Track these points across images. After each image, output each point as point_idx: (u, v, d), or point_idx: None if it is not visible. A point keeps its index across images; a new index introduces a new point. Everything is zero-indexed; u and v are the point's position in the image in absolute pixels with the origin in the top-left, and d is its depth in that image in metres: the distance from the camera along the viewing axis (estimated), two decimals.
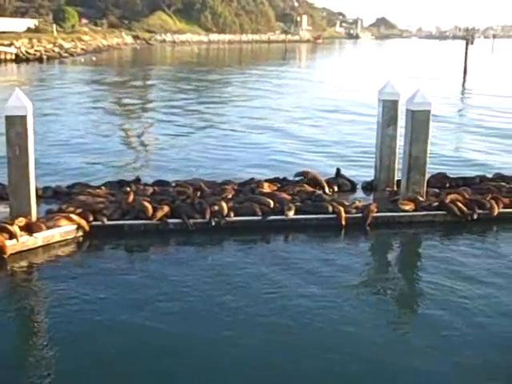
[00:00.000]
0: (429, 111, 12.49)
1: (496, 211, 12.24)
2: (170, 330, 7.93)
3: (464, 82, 45.45)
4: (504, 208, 12.41)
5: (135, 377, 7.01)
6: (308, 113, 27.89)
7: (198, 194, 12.60)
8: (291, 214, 11.79)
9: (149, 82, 44.80)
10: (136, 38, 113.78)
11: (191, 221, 11.46)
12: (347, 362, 7.27)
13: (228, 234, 11.37)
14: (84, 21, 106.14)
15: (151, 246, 11.01)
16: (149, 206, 11.59)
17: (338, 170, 14.57)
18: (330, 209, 11.97)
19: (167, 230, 11.39)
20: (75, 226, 11.07)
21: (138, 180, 13.76)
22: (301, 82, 43.95)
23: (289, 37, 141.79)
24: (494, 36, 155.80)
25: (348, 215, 11.88)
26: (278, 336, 7.79)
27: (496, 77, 50.87)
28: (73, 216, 11.14)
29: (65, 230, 10.94)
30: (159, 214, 11.46)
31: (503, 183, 13.76)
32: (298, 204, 12.14)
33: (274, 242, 11.28)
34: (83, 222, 11.12)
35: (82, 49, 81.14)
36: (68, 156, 18.02)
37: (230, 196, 12.55)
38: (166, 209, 11.62)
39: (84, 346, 7.55)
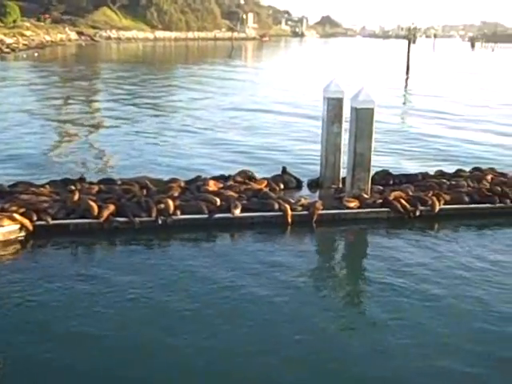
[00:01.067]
0: (373, 109, 12.70)
1: (437, 208, 12.54)
2: (111, 332, 7.85)
3: (407, 79, 46.35)
4: (445, 204, 12.73)
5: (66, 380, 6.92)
6: (255, 111, 27.94)
7: (145, 192, 12.54)
8: (238, 212, 11.83)
9: (94, 80, 44.17)
10: (80, 34, 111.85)
11: (137, 219, 11.39)
12: (289, 362, 7.30)
13: (174, 232, 11.34)
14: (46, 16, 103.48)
15: (97, 245, 10.88)
16: (94, 204, 11.46)
17: (284, 168, 14.68)
18: (276, 206, 12.06)
19: (113, 229, 11.29)
20: (18, 226, 10.86)
21: (82, 179, 13.58)
22: (246, 81, 44.02)
23: (235, 34, 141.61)
24: (435, 35, 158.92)
25: (294, 213, 12.00)
26: (220, 340, 7.75)
27: (437, 75, 51.91)
28: (16, 215, 10.93)
29: (7, 229, 10.72)
30: (105, 212, 11.35)
31: (444, 180, 14.10)
32: (244, 202, 12.20)
33: (221, 240, 11.29)
34: (26, 222, 10.92)
35: (25, 44, 79.36)
36: (10, 154, 17.64)
37: (176, 194, 12.51)
38: (112, 207, 11.52)
39: (19, 347, 7.42)
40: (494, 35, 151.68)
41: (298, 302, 8.75)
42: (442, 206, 12.65)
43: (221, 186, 13.23)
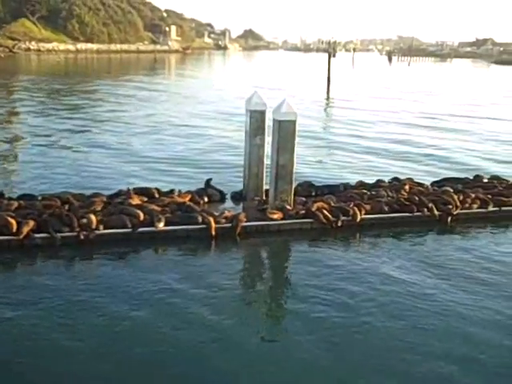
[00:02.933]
0: (295, 121, 12.87)
1: (359, 217, 12.83)
2: (23, 352, 7.67)
3: (328, 92, 47.25)
4: (366, 214, 13.04)
5: None
6: (178, 124, 27.85)
7: (66, 207, 12.32)
8: (161, 226, 11.77)
9: (11, 92, 43.01)
10: None
11: (59, 235, 11.17)
12: (216, 372, 7.34)
13: (97, 247, 11.17)
14: None
15: (17, 263, 10.60)
16: (13, 221, 11.17)
17: (208, 181, 14.71)
18: (200, 219, 12.06)
19: (34, 246, 11.02)
20: None
21: (1, 194, 13.22)
22: (168, 93, 43.85)
23: (158, 47, 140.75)
24: (354, 49, 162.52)
25: (218, 225, 12.03)
26: (138, 354, 7.71)
27: (356, 88, 53.09)
28: None
29: None
30: (24, 229, 11.08)
31: (365, 190, 14.44)
32: (168, 215, 12.15)
33: (145, 254, 11.18)
34: None
35: None
36: None
37: (98, 208, 12.34)
38: (32, 223, 11.25)
39: None
40: (410, 49, 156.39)
41: (219, 315, 8.74)
42: (363, 216, 12.95)
43: (144, 199, 13.14)
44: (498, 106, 41.21)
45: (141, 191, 13.71)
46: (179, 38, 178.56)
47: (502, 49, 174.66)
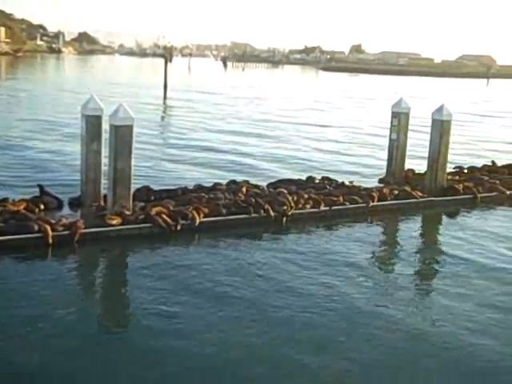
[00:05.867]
0: (132, 126, 12.85)
1: (197, 221, 13.02)
2: None
3: (165, 97, 47.30)
4: (205, 217, 13.26)
5: None
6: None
7: None
8: None
9: None
10: None
11: None
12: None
13: None
14: None
15: None
16: None
17: (42, 188, 14.26)
18: (36, 227, 11.68)
19: None
20: None
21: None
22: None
23: None
24: (191, 54, 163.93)
25: (55, 233, 11.71)
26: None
27: (192, 93, 53.54)
28: None
29: None
30: None
31: (203, 193, 14.67)
32: (0, 225, 11.65)
33: None
34: None
35: None
36: None
37: None
38: None
39: None
40: (244, 55, 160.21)
41: (54, 327, 8.56)
42: (202, 219, 13.17)
43: None
44: (323, 112, 43.37)
45: None
46: (9, 40, 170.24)
47: (328, 56, 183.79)
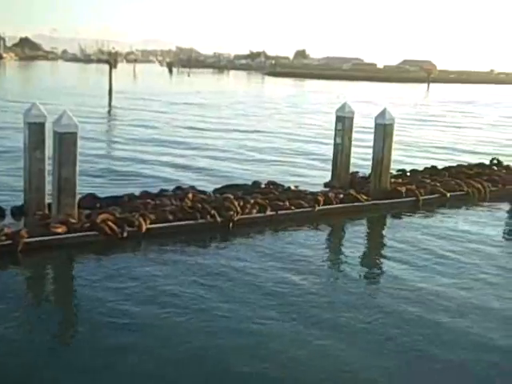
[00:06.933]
0: (76, 133, 12.75)
1: (144, 227, 12.98)
2: None
3: (110, 104, 46.87)
4: (151, 224, 13.23)
5: None
6: None
7: None
8: None
9: None
10: None
11: None
12: None
13: None
14: None
15: None
16: None
17: None
18: None
19: None
20: None
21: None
22: None
23: None
24: (136, 60, 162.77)
25: None
26: None
27: (138, 100, 53.19)
28: None
29: None
30: None
31: (149, 200, 14.63)
32: None
33: None
34: None
35: None
36: None
37: None
38: None
39: None
40: (190, 61, 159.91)
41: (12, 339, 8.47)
42: (149, 226, 13.13)
43: None
44: (268, 117, 43.66)
45: None
46: None
47: (273, 62, 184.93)
